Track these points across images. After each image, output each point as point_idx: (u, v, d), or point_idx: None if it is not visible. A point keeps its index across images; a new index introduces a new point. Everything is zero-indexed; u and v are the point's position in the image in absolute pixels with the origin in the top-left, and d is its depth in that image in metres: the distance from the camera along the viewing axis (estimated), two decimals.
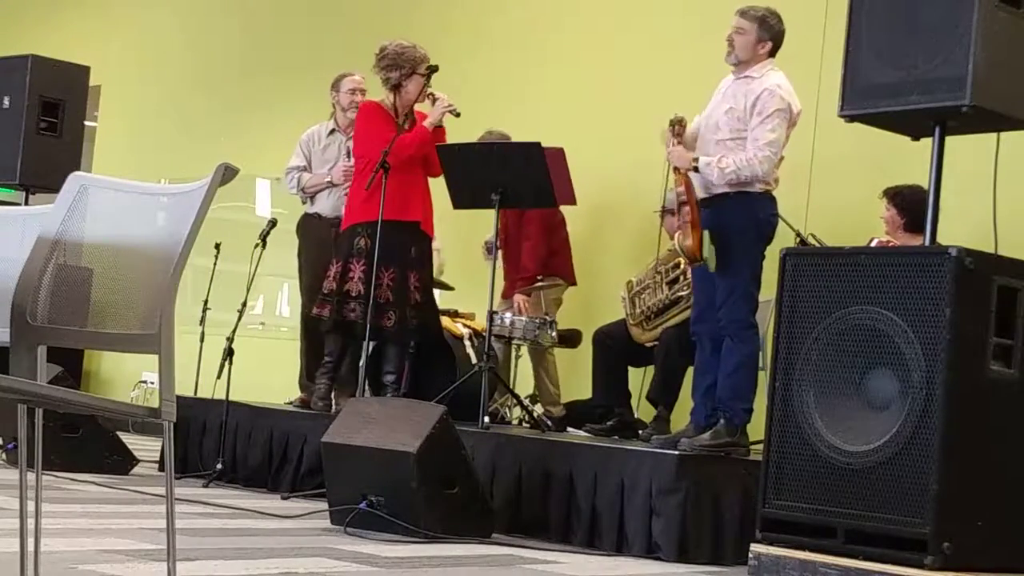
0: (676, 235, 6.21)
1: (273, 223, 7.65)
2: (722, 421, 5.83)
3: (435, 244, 7.55)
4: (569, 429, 7.19)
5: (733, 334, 5.82)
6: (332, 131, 7.90)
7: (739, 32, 5.92)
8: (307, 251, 7.90)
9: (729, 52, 5.94)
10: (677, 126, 5.97)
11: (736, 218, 5.82)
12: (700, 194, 5.94)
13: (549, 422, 7.06)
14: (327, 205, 7.82)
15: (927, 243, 4.64)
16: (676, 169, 5.96)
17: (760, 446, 5.04)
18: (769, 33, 5.94)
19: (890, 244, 6.53)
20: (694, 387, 6.15)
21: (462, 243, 8.56)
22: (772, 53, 5.99)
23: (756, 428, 5.96)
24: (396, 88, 7.01)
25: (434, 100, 6.97)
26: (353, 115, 7.61)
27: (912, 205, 6.43)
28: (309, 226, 7.89)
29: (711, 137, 5.92)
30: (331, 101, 7.98)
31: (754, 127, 5.79)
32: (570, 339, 7.92)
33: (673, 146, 5.94)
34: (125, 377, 11.82)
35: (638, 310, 7.13)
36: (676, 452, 5.53)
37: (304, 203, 7.98)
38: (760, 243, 5.92)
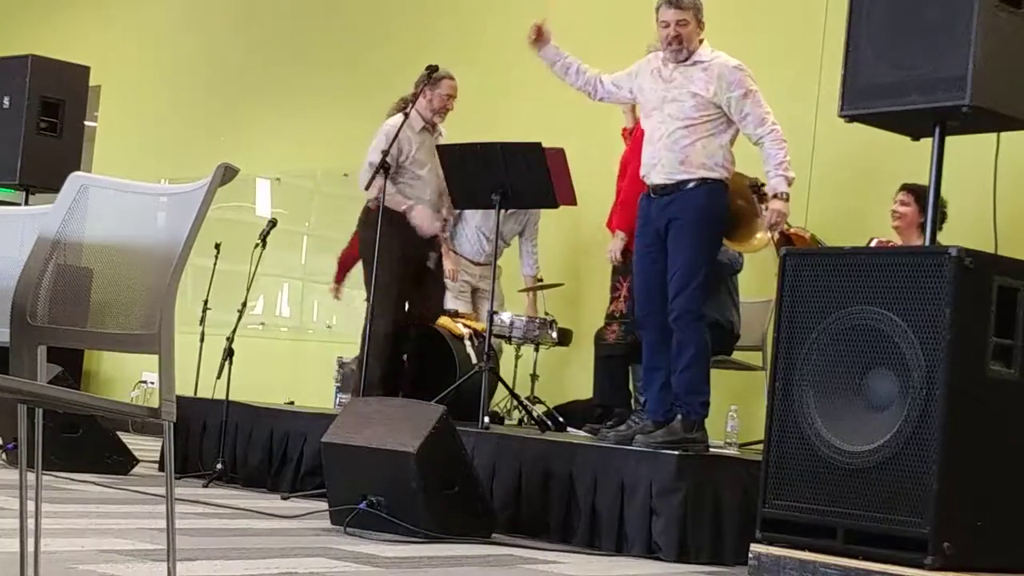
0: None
1: (273, 223, 7.65)
2: (679, 417, 5.76)
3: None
4: (569, 429, 7.19)
5: (685, 325, 5.72)
6: (423, 128, 7.34)
7: (683, 24, 5.85)
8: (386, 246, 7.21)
9: (679, 49, 5.85)
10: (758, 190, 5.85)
11: (696, 206, 5.77)
12: (661, 181, 5.86)
13: (549, 422, 7.06)
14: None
15: (927, 243, 4.64)
16: (773, 227, 5.82)
17: (760, 446, 5.04)
18: (702, 15, 5.93)
19: (890, 244, 6.53)
20: (646, 384, 6.05)
21: None
22: None
23: (756, 428, 5.96)
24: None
25: None
26: (439, 120, 7.32)
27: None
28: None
29: (675, 123, 5.84)
30: (415, 91, 7.31)
31: (748, 109, 5.76)
32: (561, 338, 7.94)
33: (768, 208, 5.79)
34: (125, 377, 11.83)
35: None
36: (676, 452, 5.52)
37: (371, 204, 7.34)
38: (716, 235, 5.90)
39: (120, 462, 7.26)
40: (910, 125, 4.72)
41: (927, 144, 4.63)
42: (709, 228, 5.80)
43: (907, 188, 6.65)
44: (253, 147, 11.12)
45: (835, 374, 4.46)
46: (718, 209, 5.82)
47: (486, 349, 6.45)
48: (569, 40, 9.23)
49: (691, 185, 5.78)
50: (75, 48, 10.97)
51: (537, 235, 8.19)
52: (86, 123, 9.17)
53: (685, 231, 5.77)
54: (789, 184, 5.74)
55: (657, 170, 5.87)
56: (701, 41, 5.90)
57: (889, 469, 4.26)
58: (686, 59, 5.87)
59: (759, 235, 6.28)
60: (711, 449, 5.95)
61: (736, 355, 7.28)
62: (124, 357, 11.38)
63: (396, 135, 7.02)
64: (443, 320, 7.72)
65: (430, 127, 7.36)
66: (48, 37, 12.77)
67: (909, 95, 4.47)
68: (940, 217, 6.29)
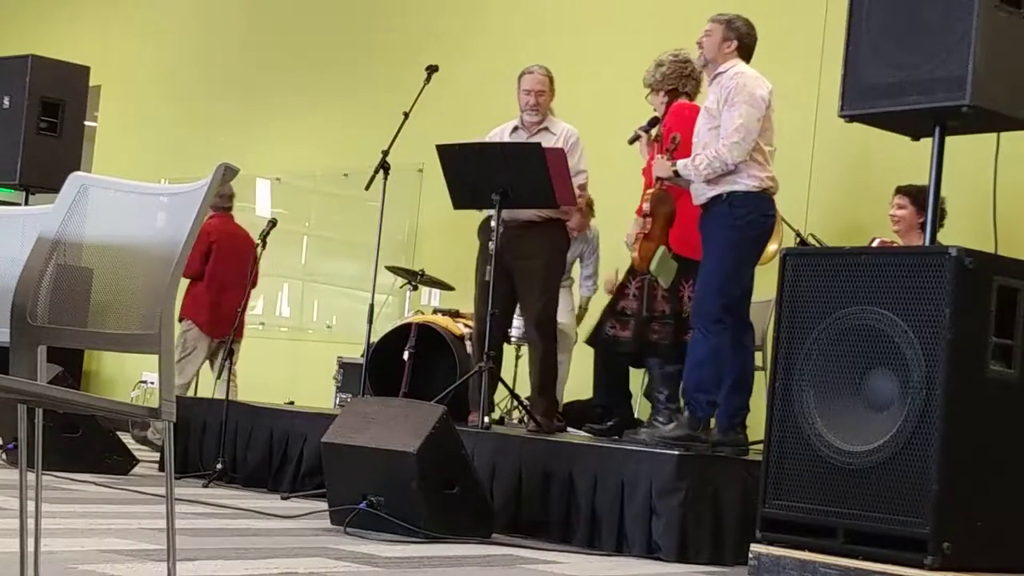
0: (633, 242, 6.38)
1: (273, 223, 7.65)
2: (687, 413, 5.88)
3: None
4: (569, 429, 7.19)
5: (702, 327, 5.90)
6: (516, 128, 7.08)
7: (707, 34, 6.06)
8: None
9: (699, 55, 6.11)
10: (654, 139, 6.22)
11: (720, 213, 5.90)
12: (699, 202, 6.03)
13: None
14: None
15: (927, 243, 4.64)
16: (658, 179, 6.19)
17: (760, 446, 5.04)
18: (735, 34, 6.04)
19: (892, 244, 6.52)
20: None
21: (464, 243, 8.56)
22: (742, 54, 6.05)
23: (756, 428, 5.96)
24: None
25: None
26: (529, 118, 6.99)
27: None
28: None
29: (695, 150, 6.02)
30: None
31: (725, 115, 5.89)
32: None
33: (656, 157, 6.10)
34: (125, 377, 11.83)
35: None
36: (676, 452, 5.53)
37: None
38: (745, 241, 5.92)
39: (120, 462, 7.27)
40: (910, 125, 4.72)
41: (927, 144, 4.63)
42: (727, 233, 5.88)
43: (901, 191, 6.64)
44: (253, 147, 11.12)
45: (835, 374, 4.46)
46: (744, 217, 5.88)
47: (486, 349, 6.45)
48: (573, 41, 9.25)
49: (723, 197, 5.91)
50: (75, 48, 10.98)
51: (598, 261, 8.17)
52: (86, 123, 9.17)
53: (708, 239, 5.95)
54: (688, 175, 5.94)
55: (695, 194, 6.05)
56: (729, 57, 5.99)
57: (889, 469, 4.27)
58: (704, 66, 6.11)
59: (767, 247, 6.32)
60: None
61: None
62: (124, 357, 11.39)
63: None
64: (443, 320, 7.71)
65: (524, 127, 7.06)
66: (48, 37, 12.77)
67: (909, 95, 4.47)
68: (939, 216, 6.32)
